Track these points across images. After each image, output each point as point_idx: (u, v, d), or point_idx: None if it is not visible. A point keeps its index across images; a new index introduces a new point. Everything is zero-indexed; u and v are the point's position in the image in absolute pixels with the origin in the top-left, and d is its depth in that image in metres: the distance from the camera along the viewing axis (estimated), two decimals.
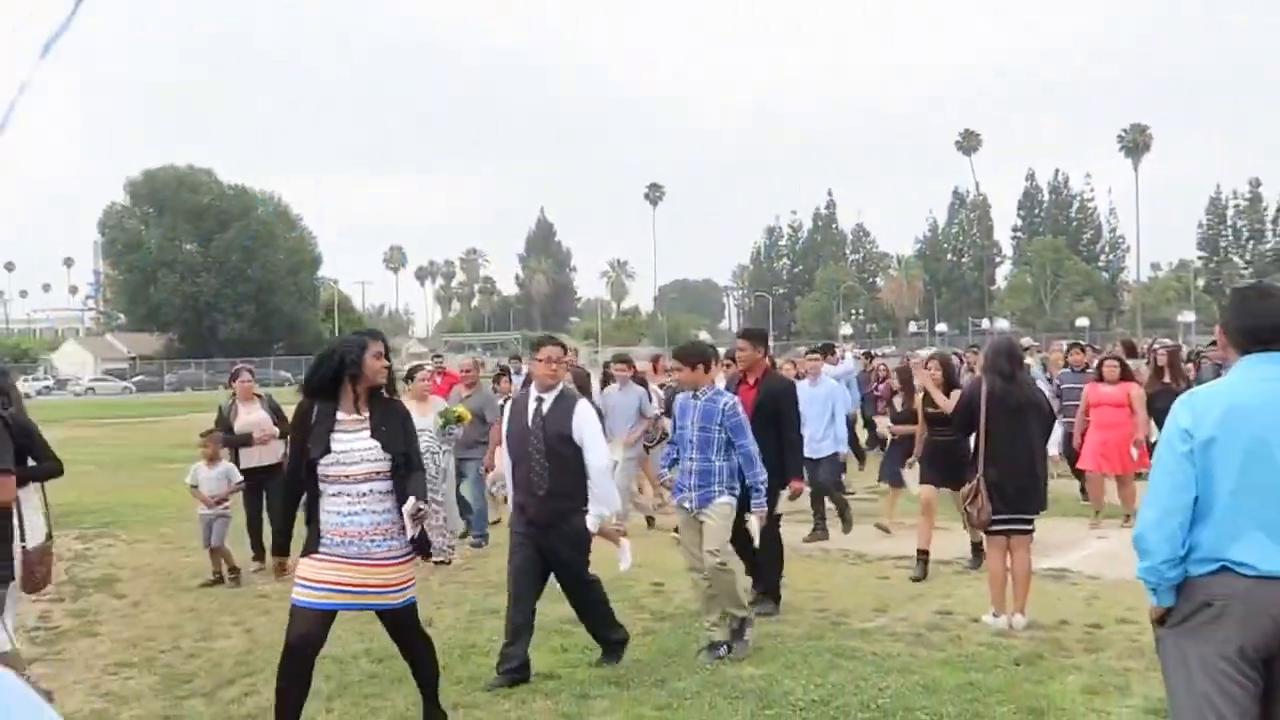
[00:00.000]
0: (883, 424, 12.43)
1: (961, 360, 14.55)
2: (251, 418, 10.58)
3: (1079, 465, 12.43)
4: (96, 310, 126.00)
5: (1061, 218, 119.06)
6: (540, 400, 6.88)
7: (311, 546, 5.47)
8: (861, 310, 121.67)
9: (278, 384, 56.36)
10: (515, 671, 6.69)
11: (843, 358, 17.02)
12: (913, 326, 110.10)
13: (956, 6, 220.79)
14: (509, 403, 7.51)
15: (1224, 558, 3.47)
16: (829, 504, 11.65)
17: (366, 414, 5.55)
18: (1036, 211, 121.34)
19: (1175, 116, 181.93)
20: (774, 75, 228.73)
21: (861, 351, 20.69)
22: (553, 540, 6.82)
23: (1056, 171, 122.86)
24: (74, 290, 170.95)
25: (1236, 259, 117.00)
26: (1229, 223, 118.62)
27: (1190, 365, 15.55)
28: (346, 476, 5.42)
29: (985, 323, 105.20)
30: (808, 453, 11.15)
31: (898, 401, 12.14)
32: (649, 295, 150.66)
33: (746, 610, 7.34)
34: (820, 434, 11.65)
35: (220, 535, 10.03)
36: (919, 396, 10.30)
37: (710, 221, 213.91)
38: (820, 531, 11.43)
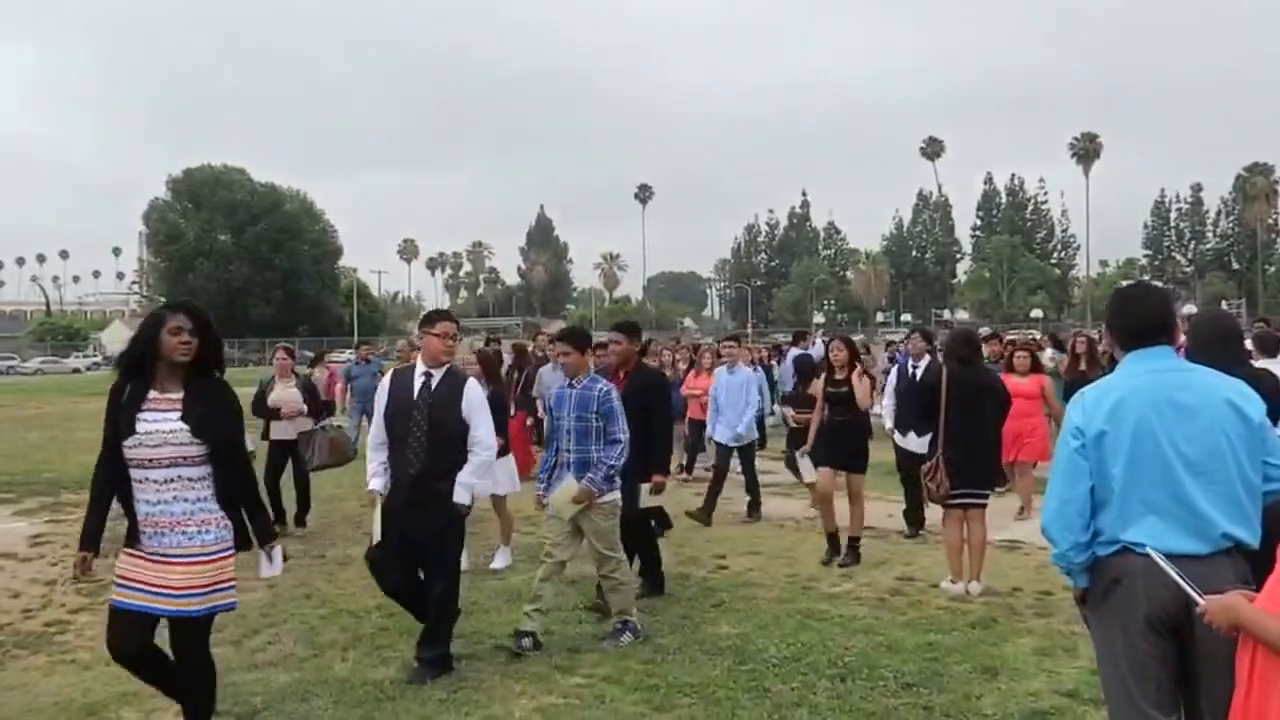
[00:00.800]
0: (788, 412, 11.60)
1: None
2: (284, 394, 10.59)
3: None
4: (140, 294, 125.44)
5: (1017, 218, 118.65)
6: (429, 376, 6.05)
7: (129, 539, 4.66)
8: (833, 301, 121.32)
9: (301, 361, 56.11)
10: (431, 664, 5.93)
11: (813, 344, 16.94)
12: (880, 316, 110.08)
13: (925, 24, 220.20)
14: (389, 376, 6.50)
15: (1122, 539, 3.46)
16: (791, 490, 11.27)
17: (180, 394, 4.63)
18: (994, 212, 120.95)
19: (1123, 125, 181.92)
20: (754, 84, 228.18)
21: (773, 344, 19.33)
22: (426, 520, 5.87)
23: (1013, 176, 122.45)
24: (120, 276, 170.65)
25: (1179, 257, 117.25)
26: (1172, 224, 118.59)
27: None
28: (150, 460, 4.53)
29: (947, 313, 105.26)
30: (725, 440, 11.04)
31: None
32: (639, 286, 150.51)
33: (634, 615, 6.66)
34: (736, 421, 11.02)
35: None
36: (821, 377, 9.42)
37: (695, 219, 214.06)
38: (756, 512, 11.01)
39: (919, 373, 9.81)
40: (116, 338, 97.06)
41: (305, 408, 10.45)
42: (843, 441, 8.77)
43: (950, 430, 7.72)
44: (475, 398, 6.09)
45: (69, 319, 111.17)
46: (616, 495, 6.55)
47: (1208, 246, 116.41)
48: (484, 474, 6.37)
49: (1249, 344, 8.63)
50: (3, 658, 6.49)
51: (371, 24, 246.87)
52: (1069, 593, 7.07)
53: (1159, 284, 9.72)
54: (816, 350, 15.85)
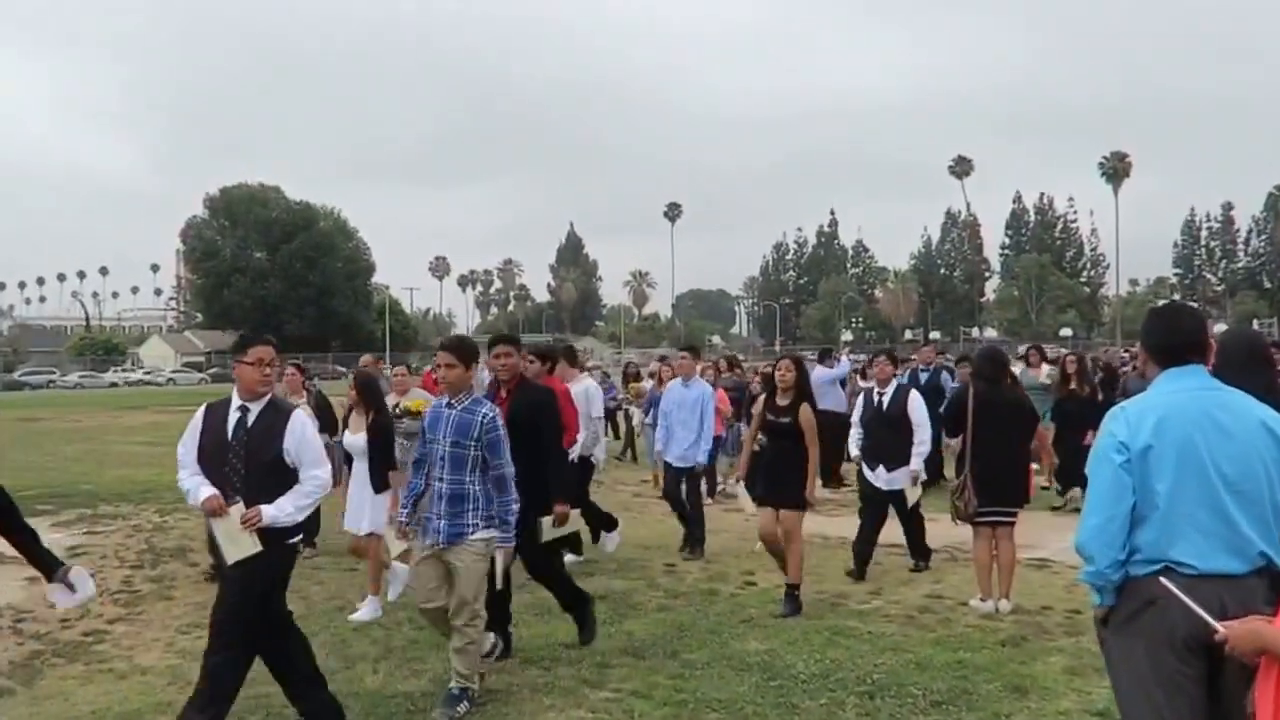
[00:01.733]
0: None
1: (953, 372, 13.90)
2: None
3: None
4: (177, 310, 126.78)
5: (1046, 237, 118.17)
6: (244, 410, 5.10)
7: None
8: (861, 319, 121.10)
9: (335, 377, 56.61)
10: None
11: (839, 361, 16.82)
12: (908, 334, 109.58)
13: (954, 43, 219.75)
14: (201, 410, 5.36)
15: (1166, 558, 3.41)
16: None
17: None
18: (1023, 231, 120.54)
19: (1153, 144, 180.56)
20: (783, 103, 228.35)
21: (726, 358, 17.96)
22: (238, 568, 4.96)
23: (1042, 195, 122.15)
24: (158, 292, 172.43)
25: (1210, 276, 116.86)
26: (1202, 243, 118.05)
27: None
28: None
29: (975, 332, 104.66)
30: (674, 460, 10.05)
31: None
32: (668, 303, 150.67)
33: (476, 682, 5.68)
34: (689, 442, 9.91)
35: None
36: (759, 401, 8.24)
37: (723, 237, 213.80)
38: (698, 547, 9.78)
39: (886, 400, 8.98)
40: (154, 353, 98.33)
41: (315, 422, 10.26)
42: (777, 474, 7.70)
43: (977, 448, 7.67)
44: (301, 435, 5.14)
45: (108, 334, 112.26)
46: (490, 534, 5.63)
47: (1239, 265, 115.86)
48: (286, 511, 5.03)
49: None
50: (41, 666, 6.54)
51: (406, 43, 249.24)
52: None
53: (1192, 304, 9.59)
54: (842, 368, 15.80)
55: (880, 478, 8.86)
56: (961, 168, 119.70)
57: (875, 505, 8.97)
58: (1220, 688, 3.36)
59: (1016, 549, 7.80)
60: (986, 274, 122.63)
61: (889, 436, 8.86)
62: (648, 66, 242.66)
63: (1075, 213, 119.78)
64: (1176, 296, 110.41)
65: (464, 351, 5.77)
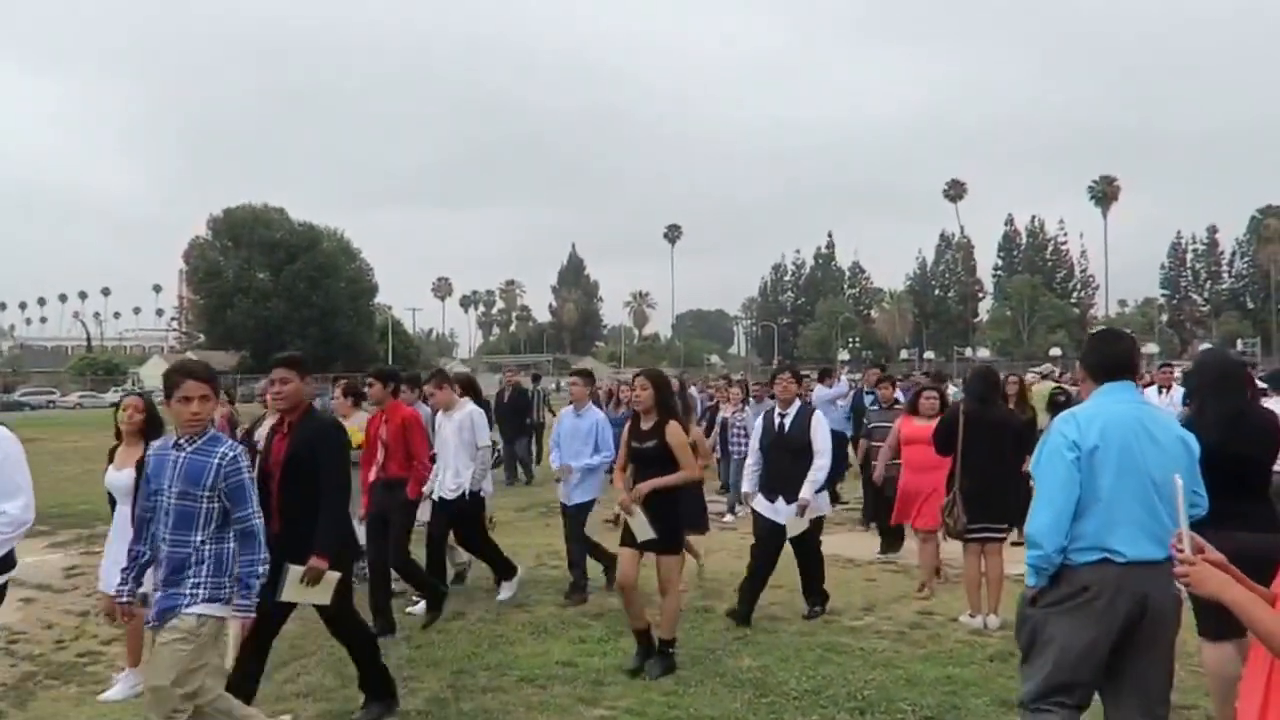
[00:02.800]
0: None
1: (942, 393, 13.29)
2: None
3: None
4: (179, 330, 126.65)
5: (1037, 259, 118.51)
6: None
7: None
8: (858, 339, 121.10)
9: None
10: None
11: (838, 380, 16.81)
12: (904, 354, 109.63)
13: (948, 70, 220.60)
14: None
15: (1104, 546, 3.88)
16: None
17: None
18: (1015, 253, 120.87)
19: (1140, 168, 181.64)
20: (781, 127, 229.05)
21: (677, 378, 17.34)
22: None
23: (1033, 218, 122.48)
24: (160, 313, 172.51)
25: (1196, 297, 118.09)
26: (1188, 265, 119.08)
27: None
28: None
29: (969, 351, 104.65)
30: (565, 499, 8.93)
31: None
32: (667, 323, 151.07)
33: None
34: (579, 479, 8.77)
35: None
36: (627, 426, 7.02)
37: (722, 258, 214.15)
38: (580, 594, 8.61)
39: (788, 422, 7.88)
40: (155, 373, 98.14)
41: None
42: (649, 512, 6.48)
43: (967, 466, 7.68)
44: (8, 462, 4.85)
45: (109, 354, 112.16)
46: (214, 608, 4.43)
47: (1223, 286, 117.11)
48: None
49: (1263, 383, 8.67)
50: (34, 688, 6.51)
51: (408, 67, 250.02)
52: None
53: (1127, 331, 9.31)
54: (840, 387, 15.79)
55: (781, 512, 7.76)
56: (955, 191, 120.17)
57: (769, 543, 7.86)
58: (1127, 654, 3.92)
59: (1005, 565, 7.80)
60: (980, 295, 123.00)
61: (790, 464, 7.73)
62: (649, 94, 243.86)
63: (1065, 235, 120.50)
64: (1164, 317, 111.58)
65: (204, 377, 4.62)
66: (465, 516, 8.62)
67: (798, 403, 7.99)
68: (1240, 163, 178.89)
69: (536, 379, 20.96)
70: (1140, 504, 3.90)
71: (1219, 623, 4.66)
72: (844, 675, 6.39)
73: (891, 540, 10.48)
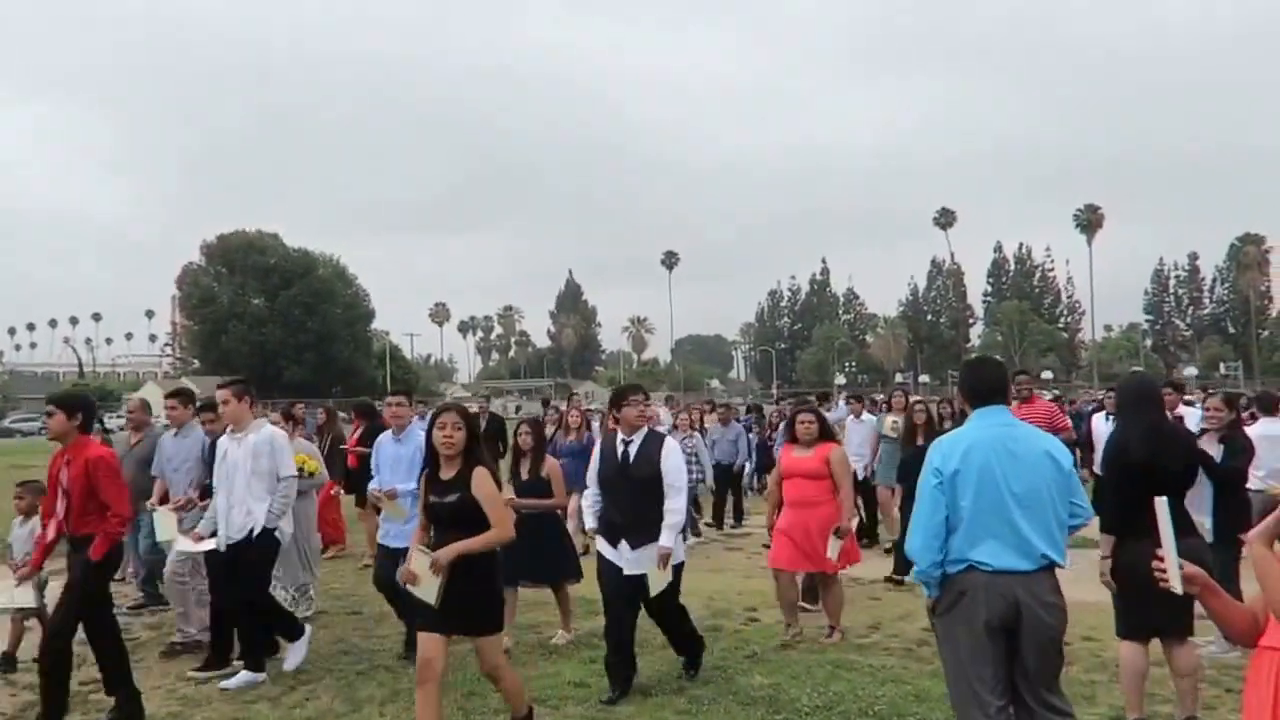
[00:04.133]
0: None
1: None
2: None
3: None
4: (173, 356, 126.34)
5: (1026, 284, 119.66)
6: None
7: None
8: (853, 363, 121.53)
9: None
10: None
11: (836, 406, 16.88)
12: (899, 377, 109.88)
13: (939, 100, 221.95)
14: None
15: (969, 558, 4.26)
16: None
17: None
18: (1004, 279, 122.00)
19: (1124, 197, 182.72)
20: (776, 156, 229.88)
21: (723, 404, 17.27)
22: None
23: (1021, 244, 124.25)
24: (153, 338, 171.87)
25: (1179, 322, 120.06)
26: (1171, 290, 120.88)
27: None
28: None
29: None
30: (389, 542, 7.48)
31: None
32: (666, 348, 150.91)
33: None
34: (413, 510, 6.69)
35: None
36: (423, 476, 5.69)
37: (720, 284, 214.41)
38: (410, 653, 6.95)
39: (633, 451, 6.57)
40: (148, 399, 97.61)
41: None
42: (454, 586, 5.16)
43: None
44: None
45: (101, 381, 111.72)
46: None
47: (1205, 312, 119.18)
48: None
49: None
50: (35, 717, 6.39)
51: (405, 93, 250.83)
52: (1087, 642, 7.20)
53: (997, 357, 9.12)
54: (838, 412, 15.85)
55: (623, 557, 6.49)
56: (945, 219, 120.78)
57: (621, 598, 6.50)
58: (1015, 656, 4.27)
59: None
60: (970, 320, 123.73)
61: (635, 501, 6.51)
62: (645, 124, 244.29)
63: (1052, 262, 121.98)
64: (1148, 342, 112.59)
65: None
66: (250, 561, 7.10)
67: (645, 429, 6.71)
68: (1220, 192, 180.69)
69: (546, 403, 20.80)
70: (999, 519, 4.25)
71: (1130, 624, 5.41)
72: (854, 691, 6.41)
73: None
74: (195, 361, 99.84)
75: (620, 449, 6.61)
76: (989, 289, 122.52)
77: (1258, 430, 8.38)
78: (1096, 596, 6.27)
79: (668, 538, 6.37)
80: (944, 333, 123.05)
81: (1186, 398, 13.78)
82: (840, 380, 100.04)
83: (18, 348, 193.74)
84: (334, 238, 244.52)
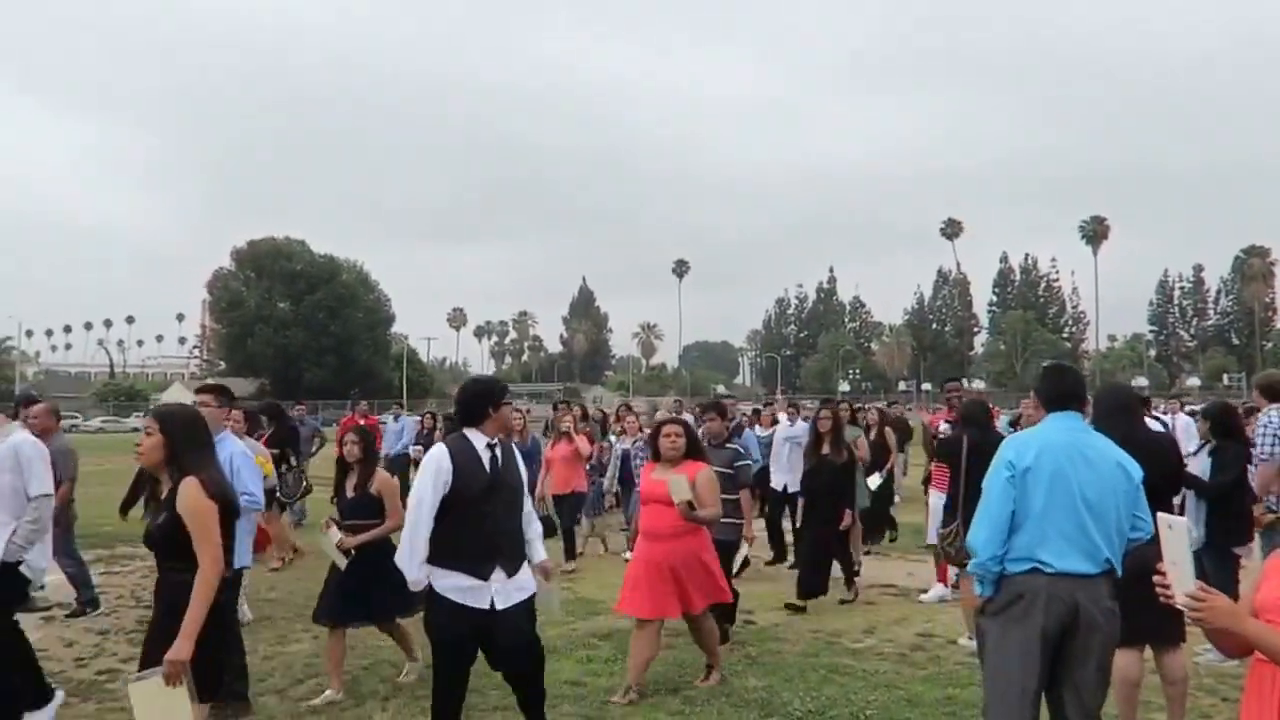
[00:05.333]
0: None
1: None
2: None
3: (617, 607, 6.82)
4: (201, 358, 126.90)
5: (1030, 295, 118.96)
6: None
7: None
8: (858, 370, 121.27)
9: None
10: None
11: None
12: (902, 385, 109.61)
13: (946, 111, 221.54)
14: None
15: (1034, 558, 4.14)
16: None
17: None
18: (1009, 289, 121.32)
19: (1130, 208, 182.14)
20: (784, 165, 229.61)
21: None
22: None
23: (1026, 255, 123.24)
24: (183, 341, 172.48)
25: (1183, 333, 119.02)
26: (1175, 302, 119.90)
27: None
28: None
29: (965, 383, 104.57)
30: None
31: None
32: (675, 354, 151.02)
33: None
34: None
35: None
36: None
37: (728, 292, 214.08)
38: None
39: (499, 457, 5.17)
40: (176, 399, 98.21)
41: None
42: (152, 639, 4.10)
43: (969, 494, 7.61)
44: None
45: (131, 381, 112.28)
46: None
47: (1209, 323, 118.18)
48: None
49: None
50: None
51: (427, 108, 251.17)
52: None
53: (1073, 365, 8.86)
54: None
55: (494, 590, 5.11)
56: (952, 229, 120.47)
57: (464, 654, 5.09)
58: (1065, 662, 4.14)
59: None
60: (975, 329, 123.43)
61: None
62: (656, 137, 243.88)
63: (1057, 272, 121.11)
64: (1152, 352, 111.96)
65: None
66: None
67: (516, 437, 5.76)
68: (1225, 204, 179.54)
69: (556, 407, 20.76)
70: (1070, 521, 4.15)
71: (1127, 632, 5.05)
72: (847, 696, 6.31)
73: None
74: (221, 363, 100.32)
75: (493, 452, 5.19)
76: (994, 298, 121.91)
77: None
78: None
79: (539, 550, 5.38)
80: (948, 341, 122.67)
81: (1191, 407, 13.57)
82: (844, 387, 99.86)
83: (54, 349, 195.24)
84: (358, 246, 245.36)
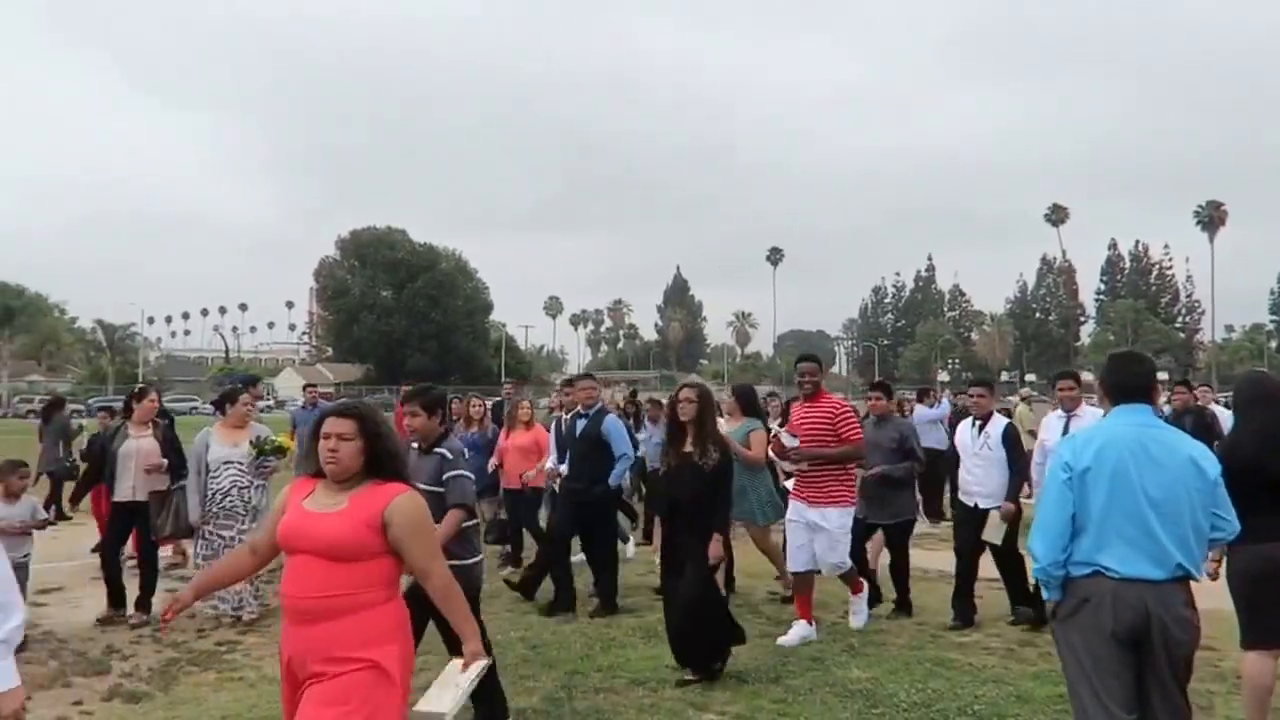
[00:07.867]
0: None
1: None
2: (139, 445, 8.30)
3: None
4: (309, 344, 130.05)
5: (1141, 283, 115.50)
6: None
7: None
8: (957, 360, 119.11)
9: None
10: None
11: (939, 401, 16.41)
12: (1004, 375, 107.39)
13: (1049, 94, 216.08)
14: None
15: (1095, 563, 3.90)
16: None
17: None
18: (1118, 277, 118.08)
19: (1251, 192, 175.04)
20: (882, 152, 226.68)
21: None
22: None
23: (1137, 242, 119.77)
24: (293, 327, 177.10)
25: None
26: None
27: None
28: None
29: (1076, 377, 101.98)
30: None
31: None
32: (769, 343, 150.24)
33: None
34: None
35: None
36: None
37: (823, 280, 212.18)
38: None
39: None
40: (287, 383, 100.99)
41: (164, 463, 8.24)
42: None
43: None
44: None
45: (245, 365, 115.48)
46: None
47: None
48: None
49: None
50: (177, 673, 6.66)
51: (524, 104, 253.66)
52: (1204, 652, 6.78)
53: (1147, 354, 8.17)
54: (943, 408, 15.43)
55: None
56: (1057, 216, 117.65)
57: None
58: (1149, 673, 3.87)
59: None
60: (1081, 319, 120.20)
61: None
62: (750, 126, 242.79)
63: (1170, 260, 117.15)
64: (1273, 343, 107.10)
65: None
66: None
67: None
68: None
69: (634, 394, 20.80)
70: (1133, 523, 3.89)
71: (1257, 634, 4.94)
72: (954, 690, 6.18)
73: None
74: (329, 349, 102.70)
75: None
76: (1102, 287, 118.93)
77: None
78: (1211, 604, 5.93)
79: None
80: (1053, 331, 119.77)
81: None
82: (943, 377, 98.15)
83: (173, 335, 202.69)
84: (457, 236, 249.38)
